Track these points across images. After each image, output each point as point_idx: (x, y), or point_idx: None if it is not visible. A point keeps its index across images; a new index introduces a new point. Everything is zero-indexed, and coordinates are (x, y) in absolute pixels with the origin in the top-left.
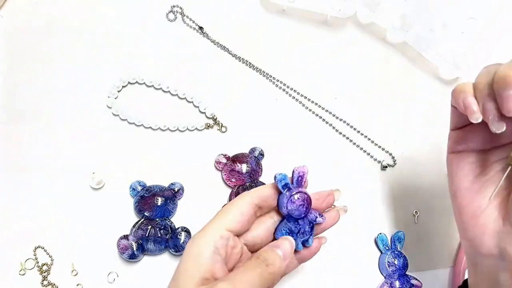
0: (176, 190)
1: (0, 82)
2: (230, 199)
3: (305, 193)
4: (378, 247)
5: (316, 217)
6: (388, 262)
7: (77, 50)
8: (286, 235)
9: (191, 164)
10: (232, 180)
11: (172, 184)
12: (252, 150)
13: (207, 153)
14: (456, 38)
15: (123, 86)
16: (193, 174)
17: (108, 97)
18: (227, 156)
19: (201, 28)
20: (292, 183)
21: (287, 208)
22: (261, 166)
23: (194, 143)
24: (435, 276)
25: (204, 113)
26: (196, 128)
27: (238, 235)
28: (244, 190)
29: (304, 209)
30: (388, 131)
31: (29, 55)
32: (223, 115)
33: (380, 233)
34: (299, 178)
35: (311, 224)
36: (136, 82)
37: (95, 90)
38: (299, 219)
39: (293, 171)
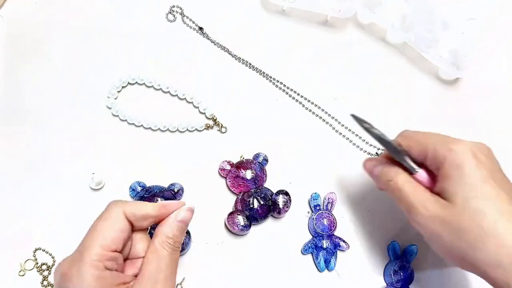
0: (176, 191)
1: (0, 82)
2: (235, 207)
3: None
4: (388, 253)
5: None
6: (394, 270)
7: (77, 50)
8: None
9: (191, 165)
10: (237, 186)
11: (172, 184)
12: (256, 156)
13: (207, 154)
14: (456, 39)
15: (122, 87)
16: (192, 174)
17: (108, 97)
18: (231, 163)
19: (201, 28)
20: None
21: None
22: (266, 172)
23: (194, 144)
24: None
25: (204, 113)
26: (196, 129)
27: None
28: (249, 196)
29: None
30: (388, 132)
31: (29, 55)
32: (223, 116)
33: (394, 241)
34: (330, 203)
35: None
36: (136, 82)
37: (94, 91)
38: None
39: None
